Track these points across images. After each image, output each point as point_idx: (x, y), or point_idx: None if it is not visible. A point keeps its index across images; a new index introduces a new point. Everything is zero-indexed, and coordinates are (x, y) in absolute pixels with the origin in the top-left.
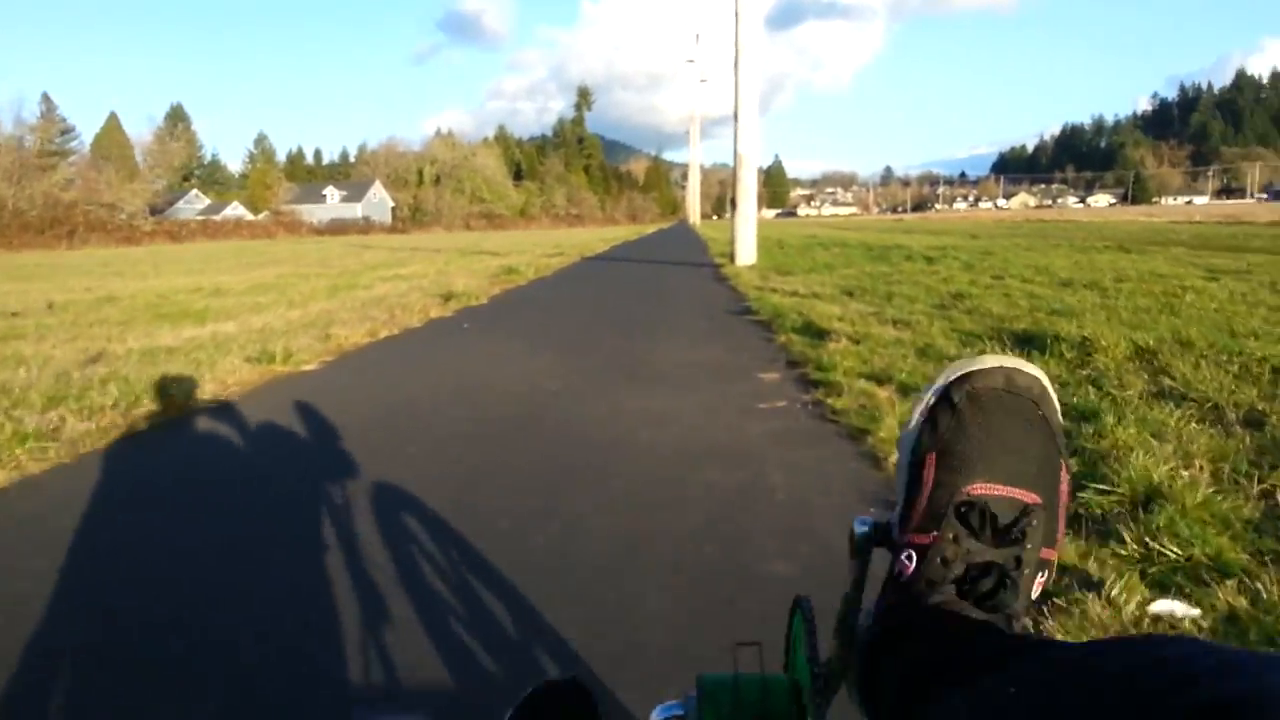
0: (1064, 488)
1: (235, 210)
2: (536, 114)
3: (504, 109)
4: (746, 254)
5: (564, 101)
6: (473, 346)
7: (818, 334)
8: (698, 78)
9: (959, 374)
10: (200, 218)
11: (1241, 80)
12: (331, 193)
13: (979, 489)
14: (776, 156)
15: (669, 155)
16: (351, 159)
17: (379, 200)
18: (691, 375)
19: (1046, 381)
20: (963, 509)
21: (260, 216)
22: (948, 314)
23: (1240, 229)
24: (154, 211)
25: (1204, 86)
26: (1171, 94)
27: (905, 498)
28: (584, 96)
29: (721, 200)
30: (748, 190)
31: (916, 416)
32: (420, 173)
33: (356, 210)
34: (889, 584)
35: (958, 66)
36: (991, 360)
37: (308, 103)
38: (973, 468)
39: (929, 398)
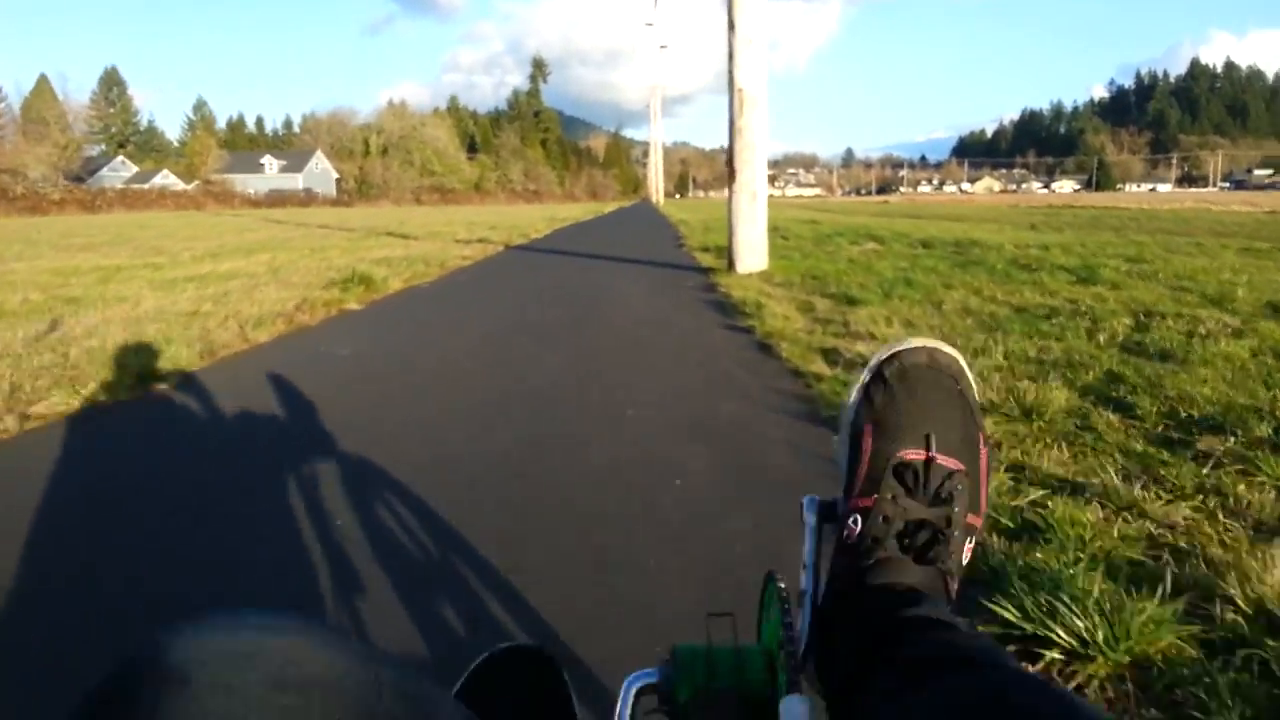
0: (984, 460)
1: (165, 179)
2: (494, 88)
3: (460, 82)
4: (753, 254)
5: (522, 76)
6: None
7: None
8: (658, 44)
9: (889, 353)
10: (128, 186)
11: (1196, 69)
12: (270, 162)
13: (910, 454)
14: None
15: (629, 133)
16: (296, 128)
17: (321, 171)
18: None
19: (964, 361)
20: (899, 470)
21: (190, 186)
22: None
23: None
24: (76, 179)
25: (1160, 75)
26: (1125, 81)
27: (848, 468)
28: (539, 68)
29: (684, 179)
30: (754, 149)
31: (854, 393)
32: (366, 143)
33: (297, 181)
34: (838, 549)
35: (913, 50)
36: (916, 341)
37: (253, 71)
38: (904, 435)
39: (865, 375)
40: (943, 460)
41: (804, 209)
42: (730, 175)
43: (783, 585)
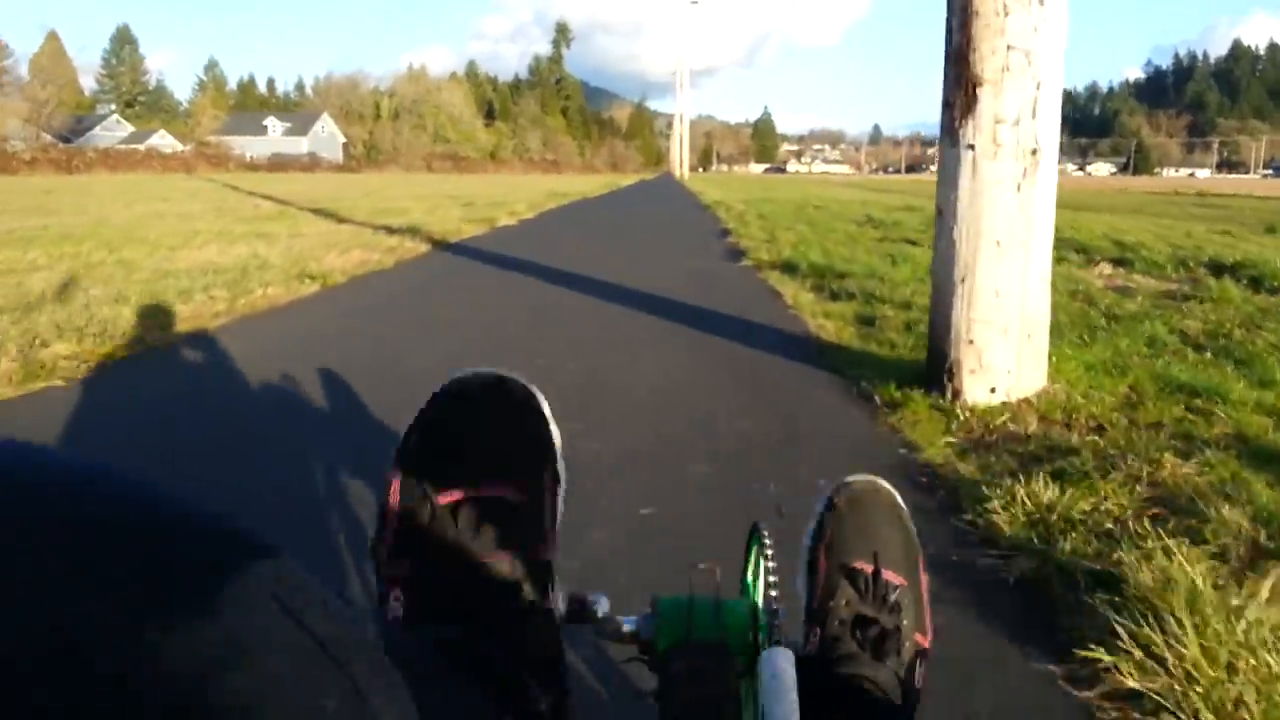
0: (924, 580)
1: (161, 139)
2: (519, 58)
3: (486, 51)
4: (1021, 345)
5: (548, 45)
6: None
7: None
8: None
9: (838, 484)
10: (112, 147)
11: (1238, 51)
12: (274, 124)
13: (860, 564)
14: (766, 109)
15: (653, 104)
16: (309, 91)
17: (328, 135)
18: None
19: (899, 497)
20: (850, 574)
21: (186, 148)
22: None
23: None
24: (64, 138)
25: (1199, 56)
26: (1163, 62)
27: (808, 592)
28: (562, 33)
29: (707, 153)
30: (1031, 38)
31: (811, 524)
32: (377, 106)
33: (302, 145)
34: (799, 666)
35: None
36: (863, 475)
37: (273, 34)
38: (853, 550)
39: (818, 506)
40: (888, 575)
41: (857, 188)
42: (959, 101)
43: (767, 538)
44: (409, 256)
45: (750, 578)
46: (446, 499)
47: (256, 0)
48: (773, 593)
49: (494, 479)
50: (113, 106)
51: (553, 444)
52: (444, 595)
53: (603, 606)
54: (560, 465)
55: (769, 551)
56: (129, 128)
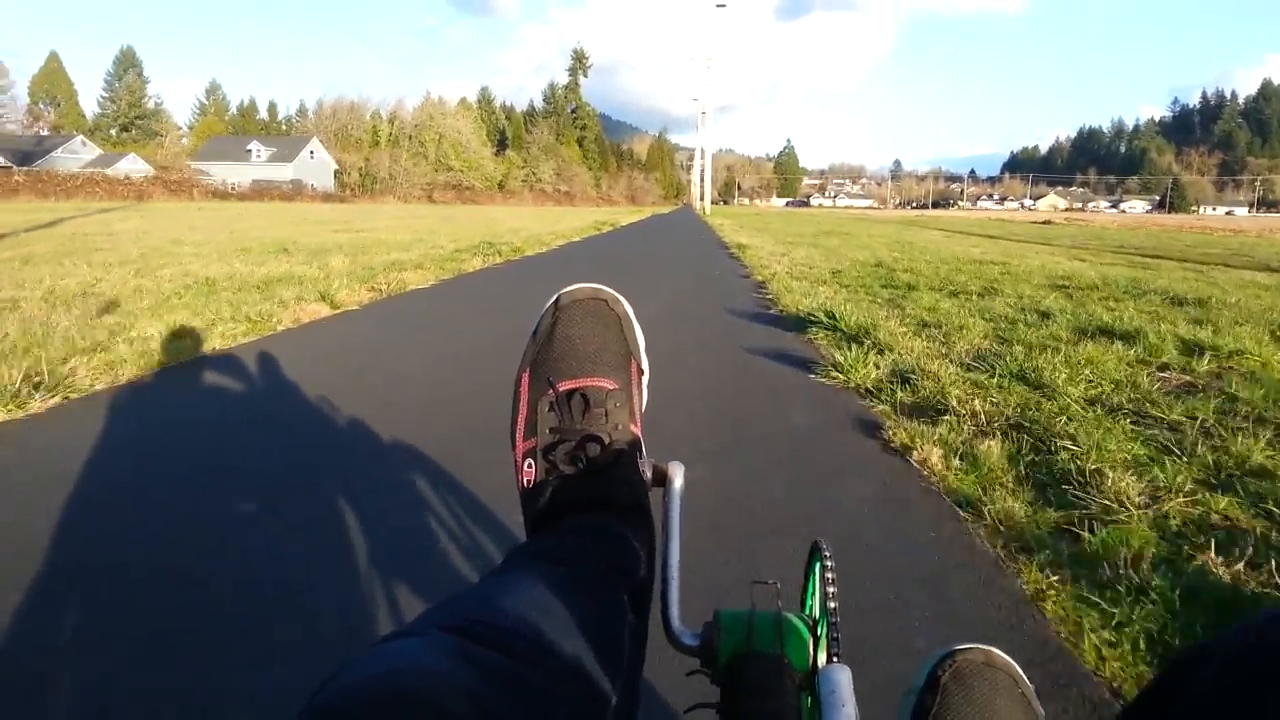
0: None
1: (132, 164)
2: (541, 93)
3: (512, 85)
4: None
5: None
6: None
7: None
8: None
9: (941, 655)
10: (48, 170)
11: (1268, 90)
12: (258, 149)
13: None
14: (789, 142)
15: (673, 138)
16: (311, 115)
17: (317, 161)
18: None
19: (1019, 669)
20: None
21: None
22: None
23: None
24: (23, 161)
25: (1228, 95)
26: (1190, 101)
27: None
28: (579, 60)
29: (729, 185)
30: None
31: (907, 700)
32: (375, 131)
33: (287, 171)
34: None
35: (961, 65)
36: (971, 645)
37: (301, 71)
38: None
39: (918, 681)
40: None
41: (944, 231)
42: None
43: (828, 555)
44: None
45: (810, 593)
46: (562, 388)
47: (287, 40)
48: (832, 606)
49: (595, 372)
50: (115, 131)
51: (638, 342)
52: (562, 463)
53: (679, 474)
54: (644, 359)
55: (830, 567)
56: (95, 150)
